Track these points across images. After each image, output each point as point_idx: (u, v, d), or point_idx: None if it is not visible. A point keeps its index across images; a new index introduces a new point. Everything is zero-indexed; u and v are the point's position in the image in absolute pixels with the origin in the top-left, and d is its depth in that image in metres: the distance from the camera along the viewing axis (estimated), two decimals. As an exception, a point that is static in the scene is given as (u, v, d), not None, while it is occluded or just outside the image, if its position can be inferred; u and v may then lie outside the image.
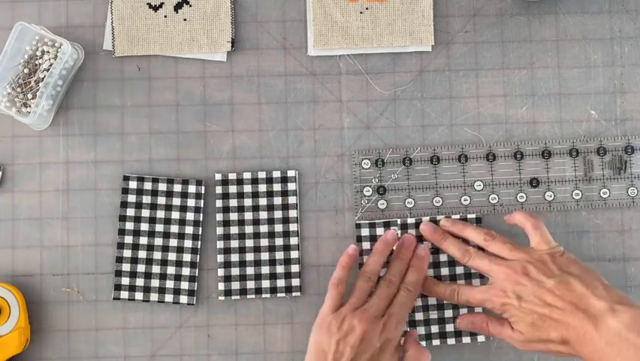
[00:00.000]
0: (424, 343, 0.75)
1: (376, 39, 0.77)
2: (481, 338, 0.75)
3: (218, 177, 0.76)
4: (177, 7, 0.78)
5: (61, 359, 0.76)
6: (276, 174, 0.77)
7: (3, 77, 0.75)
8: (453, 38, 0.78)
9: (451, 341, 0.75)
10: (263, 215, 0.76)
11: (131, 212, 0.76)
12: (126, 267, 0.76)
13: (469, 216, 0.76)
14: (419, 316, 0.75)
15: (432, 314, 0.76)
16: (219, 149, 0.78)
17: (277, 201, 0.77)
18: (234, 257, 0.76)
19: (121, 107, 0.78)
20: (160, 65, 0.78)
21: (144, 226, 0.76)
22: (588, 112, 0.77)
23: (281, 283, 0.76)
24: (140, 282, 0.76)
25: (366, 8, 0.78)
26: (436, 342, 0.75)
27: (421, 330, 0.75)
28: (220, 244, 0.76)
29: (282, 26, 0.78)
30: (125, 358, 0.76)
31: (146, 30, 0.78)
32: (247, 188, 0.76)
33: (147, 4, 0.78)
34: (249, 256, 0.76)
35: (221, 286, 0.76)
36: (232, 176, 0.76)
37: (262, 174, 0.77)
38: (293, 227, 0.76)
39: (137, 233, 0.76)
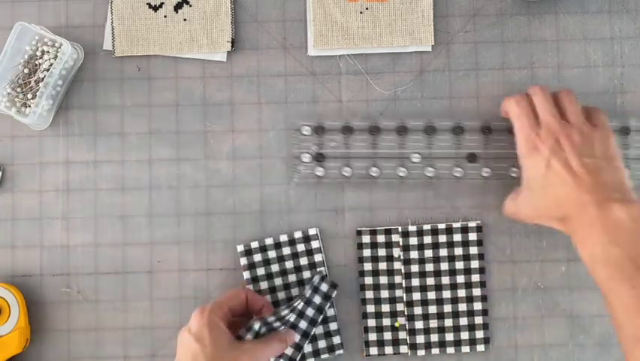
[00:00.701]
0: (422, 352, 0.75)
1: (376, 39, 0.77)
2: (480, 348, 0.75)
3: (240, 248, 0.76)
4: (177, 7, 0.78)
5: (61, 359, 0.76)
6: (298, 235, 0.76)
7: (3, 77, 0.75)
8: (453, 38, 0.78)
9: (450, 350, 0.75)
10: (292, 278, 0.76)
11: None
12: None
13: (470, 224, 0.76)
14: (419, 325, 0.75)
15: (432, 323, 0.75)
16: (219, 149, 0.78)
17: (303, 261, 0.76)
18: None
19: (121, 107, 0.78)
20: (160, 65, 0.78)
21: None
22: (588, 112, 0.77)
23: (322, 343, 0.76)
24: None
25: (366, 8, 0.78)
26: (435, 351, 0.75)
27: (421, 339, 0.75)
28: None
29: (282, 26, 0.78)
30: (124, 358, 0.76)
31: (146, 30, 0.78)
32: (272, 254, 0.76)
33: (147, 4, 0.78)
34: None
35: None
36: (254, 245, 0.76)
37: (284, 237, 0.76)
38: (324, 287, 0.75)
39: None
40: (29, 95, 0.74)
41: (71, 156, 0.78)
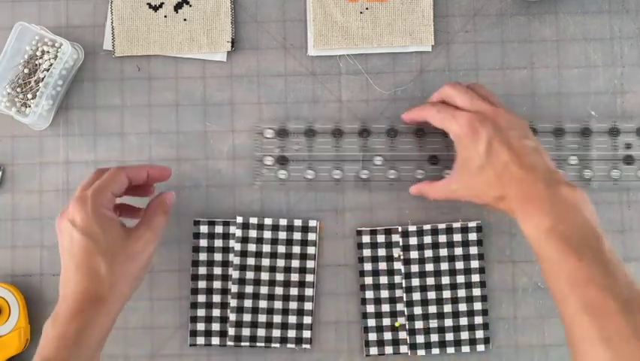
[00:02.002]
0: (422, 352, 0.75)
1: (376, 39, 0.77)
2: (480, 348, 0.75)
3: (239, 220, 0.76)
4: (177, 7, 0.78)
5: (61, 359, 0.76)
6: (297, 223, 0.76)
7: (3, 77, 0.75)
8: (453, 38, 0.78)
9: (450, 350, 0.75)
10: (280, 263, 0.76)
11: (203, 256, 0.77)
12: (201, 312, 0.76)
13: (469, 224, 0.76)
14: (419, 324, 0.75)
15: (432, 323, 0.75)
16: (219, 149, 0.78)
17: (296, 250, 0.76)
18: (247, 303, 0.76)
19: (121, 107, 0.78)
20: (160, 65, 0.78)
21: (217, 270, 0.76)
22: (588, 112, 0.77)
23: (292, 333, 0.76)
24: (214, 327, 0.76)
25: (366, 8, 0.78)
26: (435, 351, 0.75)
27: (421, 339, 0.75)
28: (234, 288, 0.76)
29: (282, 26, 0.78)
30: (125, 358, 0.76)
31: (146, 30, 0.78)
32: (267, 234, 0.76)
33: (147, 4, 0.78)
34: (262, 303, 0.76)
35: (231, 331, 0.75)
36: (253, 220, 0.76)
37: (283, 222, 0.76)
38: (309, 278, 0.76)
39: (209, 277, 0.76)
40: (29, 95, 0.74)
41: (71, 156, 0.78)
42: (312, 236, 0.76)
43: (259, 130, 0.77)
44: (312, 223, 0.76)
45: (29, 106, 0.74)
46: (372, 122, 0.77)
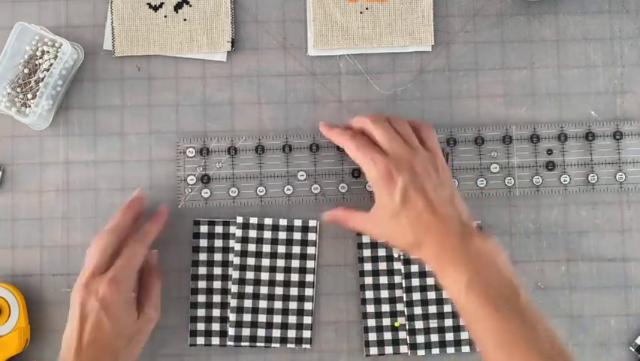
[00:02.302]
0: (422, 352, 0.75)
1: (376, 39, 0.77)
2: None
3: (239, 220, 0.76)
4: (177, 7, 0.78)
5: (61, 359, 0.76)
6: (297, 223, 0.76)
7: (3, 77, 0.75)
8: (453, 38, 0.78)
9: (450, 349, 0.75)
10: (280, 263, 0.76)
11: (203, 257, 0.77)
12: (201, 312, 0.76)
13: None
14: (419, 324, 0.75)
15: (432, 323, 0.75)
16: (219, 149, 0.77)
17: (296, 250, 0.76)
18: (247, 303, 0.76)
19: (121, 107, 0.78)
20: (160, 65, 0.78)
21: (217, 270, 0.76)
22: (588, 112, 0.77)
23: (292, 333, 0.76)
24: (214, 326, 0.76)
25: (366, 8, 0.78)
26: (435, 351, 0.75)
27: (421, 339, 0.75)
28: (234, 288, 0.76)
29: (282, 26, 0.78)
30: (125, 358, 0.76)
31: (146, 30, 0.78)
32: (267, 234, 0.76)
33: (147, 4, 0.78)
34: (262, 304, 0.76)
35: (231, 331, 0.75)
36: (253, 220, 0.76)
37: (283, 222, 0.76)
38: (309, 278, 0.76)
39: (209, 278, 0.76)
40: (29, 95, 0.74)
41: (71, 156, 0.78)
42: (312, 236, 0.76)
43: (182, 149, 0.77)
44: (312, 223, 0.76)
45: (29, 106, 0.74)
46: (294, 137, 0.77)
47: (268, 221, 0.76)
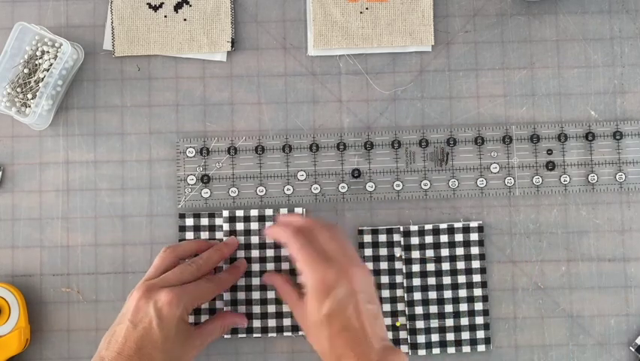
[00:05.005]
0: (423, 352, 0.75)
1: (376, 39, 0.78)
2: (481, 348, 0.75)
3: (225, 213, 0.76)
4: (177, 7, 0.78)
5: (61, 359, 0.76)
6: (283, 212, 0.76)
7: (3, 77, 0.75)
8: (453, 38, 0.78)
9: (451, 350, 0.75)
10: (270, 253, 0.76)
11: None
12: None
13: (471, 224, 0.76)
14: (420, 324, 0.75)
15: (432, 323, 0.75)
16: (219, 148, 0.77)
17: None
18: (241, 295, 0.76)
19: (121, 107, 0.78)
20: (160, 65, 0.78)
21: None
22: (588, 112, 0.78)
23: (287, 322, 0.76)
24: None
25: (366, 8, 0.78)
26: (436, 351, 0.75)
27: (422, 339, 0.75)
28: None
29: (282, 26, 0.78)
30: (125, 358, 0.76)
31: (146, 30, 0.78)
32: (254, 226, 0.76)
33: (147, 4, 0.78)
34: (255, 295, 0.76)
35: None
36: (239, 213, 0.76)
37: (269, 212, 0.76)
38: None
39: None
40: (29, 95, 0.74)
41: (71, 156, 0.78)
42: None
43: (182, 149, 0.77)
44: (298, 210, 0.76)
45: (29, 106, 0.74)
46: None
47: (254, 212, 0.76)
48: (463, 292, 0.75)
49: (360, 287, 0.65)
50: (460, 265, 0.76)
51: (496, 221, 0.77)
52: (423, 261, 0.76)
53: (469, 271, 0.76)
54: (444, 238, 0.76)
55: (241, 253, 0.76)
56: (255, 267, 0.76)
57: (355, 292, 0.64)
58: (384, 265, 0.76)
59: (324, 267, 0.65)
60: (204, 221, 0.76)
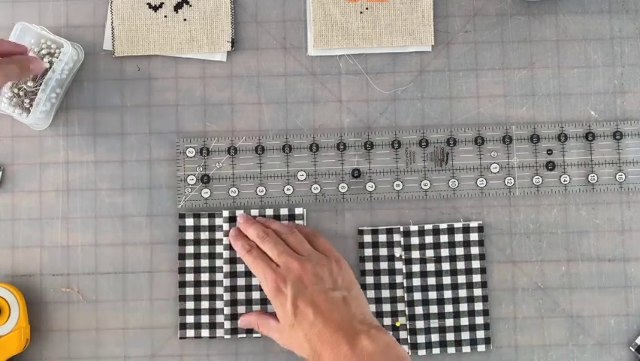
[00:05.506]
0: (423, 352, 0.75)
1: (376, 39, 0.78)
2: (481, 348, 0.75)
3: (225, 213, 0.76)
4: (177, 7, 0.78)
5: (61, 359, 0.76)
6: (284, 212, 0.76)
7: (3, 77, 0.75)
8: (453, 38, 0.78)
9: (451, 349, 0.75)
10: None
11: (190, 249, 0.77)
12: (190, 305, 0.76)
13: (471, 224, 0.76)
14: (420, 324, 0.75)
15: (432, 323, 0.75)
16: (219, 149, 0.77)
17: None
18: (241, 295, 0.76)
19: (121, 107, 0.78)
20: (160, 65, 0.78)
21: (204, 263, 0.76)
22: (588, 112, 0.78)
23: None
24: (204, 319, 0.76)
25: (366, 8, 0.78)
26: (436, 351, 0.75)
27: (422, 339, 0.75)
28: (226, 282, 0.75)
29: (282, 26, 0.78)
30: (125, 358, 0.76)
31: (146, 30, 0.78)
32: None
33: (147, 4, 0.78)
34: (255, 295, 0.76)
35: (227, 324, 0.75)
36: (239, 213, 0.76)
37: (269, 212, 0.76)
38: None
39: (197, 270, 0.76)
40: (29, 96, 0.74)
41: (71, 156, 0.78)
42: (299, 223, 0.76)
43: (182, 149, 0.77)
44: (299, 211, 0.76)
45: (29, 106, 0.74)
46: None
47: (254, 212, 0.76)
48: (463, 292, 0.75)
49: (311, 281, 0.68)
50: (460, 265, 0.76)
51: (496, 221, 0.77)
52: (423, 261, 0.76)
53: (469, 271, 0.76)
54: (444, 238, 0.76)
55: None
56: None
57: (308, 287, 0.68)
58: (384, 265, 0.76)
59: (275, 272, 0.69)
60: (204, 221, 0.76)
